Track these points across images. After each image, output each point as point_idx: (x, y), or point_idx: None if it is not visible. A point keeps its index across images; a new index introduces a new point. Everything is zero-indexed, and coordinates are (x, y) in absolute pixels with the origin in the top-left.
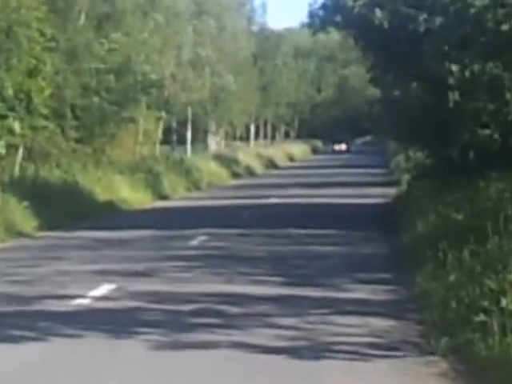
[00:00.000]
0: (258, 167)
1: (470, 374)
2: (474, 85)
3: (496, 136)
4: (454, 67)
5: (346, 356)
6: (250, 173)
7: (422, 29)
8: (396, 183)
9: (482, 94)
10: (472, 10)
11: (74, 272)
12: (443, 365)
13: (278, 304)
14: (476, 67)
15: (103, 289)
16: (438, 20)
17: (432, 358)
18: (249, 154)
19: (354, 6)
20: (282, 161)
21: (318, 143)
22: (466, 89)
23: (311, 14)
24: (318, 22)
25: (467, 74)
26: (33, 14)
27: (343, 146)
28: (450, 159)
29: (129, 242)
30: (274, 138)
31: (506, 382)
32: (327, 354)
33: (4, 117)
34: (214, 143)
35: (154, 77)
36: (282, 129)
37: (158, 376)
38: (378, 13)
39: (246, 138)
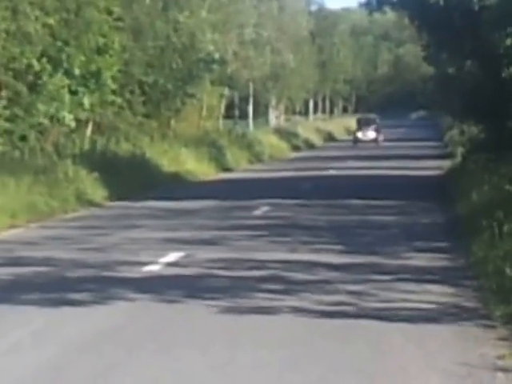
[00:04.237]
0: (316, 140)
1: None
2: None
3: None
4: (509, 41)
5: (407, 321)
6: (309, 146)
7: (476, 7)
8: (450, 156)
9: None
10: None
11: (144, 240)
12: (501, 330)
13: (340, 271)
14: None
15: (172, 256)
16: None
17: (490, 323)
18: (308, 128)
19: None
20: (339, 134)
21: (375, 116)
22: None
23: None
24: (374, 2)
25: None
26: None
27: (371, 134)
28: (503, 132)
29: (195, 211)
30: (332, 112)
31: None
32: (389, 320)
33: (74, 92)
34: (275, 118)
35: (216, 55)
36: (340, 104)
37: (226, 339)
38: None
39: (305, 113)
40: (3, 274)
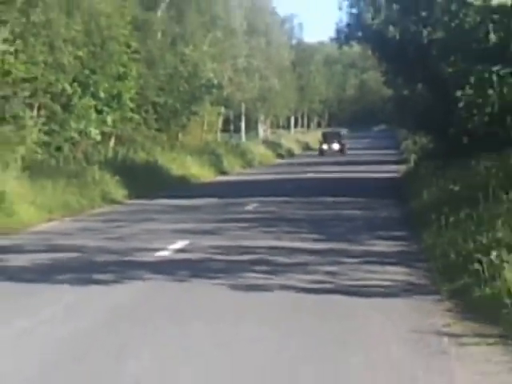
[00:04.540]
0: (296, 150)
1: (467, 310)
2: (466, 83)
3: (479, 125)
4: (451, 69)
5: (373, 296)
6: (291, 154)
7: (425, 40)
8: (405, 161)
9: (472, 92)
10: (466, 25)
11: (156, 231)
12: (447, 303)
13: (317, 255)
14: (468, 70)
15: (179, 243)
16: (439, 33)
17: (437, 298)
18: (289, 140)
19: (372, 23)
20: (315, 144)
21: (344, 131)
22: (460, 87)
23: (338, 31)
24: (342, 37)
25: (459, 76)
26: (120, 31)
27: (335, 146)
28: (448, 143)
29: (198, 207)
30: (309, 126)
31: (495, 316)
32: (357, 295)
33: (99, 111)
34: (263, 131)
35: (215, 80)
36: (315, 120)
37: (225, 311)
38: (391, 29)
39: (287, 127)
40: (43, 259)
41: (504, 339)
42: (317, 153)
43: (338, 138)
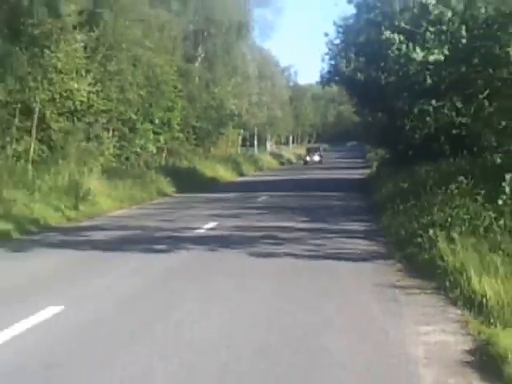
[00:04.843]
0: (293, 159)
1: (413, 271)
2: (410, 113)
3: (420, 141)
4: (400, 103)
5: (347, 260)
6: (289, 162)
7: (383, 82)
8: (369, 167)
9: (415, 119)
10: (410, 73)
11: (195, 215)
12: (398, 265)
13: (307, 232)
14: (412, 103)
15: (211, 224)
16: (392, 78)
17: (392, 262)
18: (288, 152)
19: (345, 71)
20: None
21: (324, 146)
22: (406, 115)
23: (321, 76)
24: (325, 80)
25: (406, 107)
26: (170, 77)
27: (316, 158)
28: (398, 154)
29: (223, 199)
30: (302, 143)
31: (431, 274)
32: (336, 259)
33: (155, 133)
34: (269, 146)
35: (236, 111)
36: (307, 138)
37: (245, 270)
38: (359, 74)
39: (286, 143)
40: (116, 234)
41: (437, 290)
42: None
43: (317, 151)
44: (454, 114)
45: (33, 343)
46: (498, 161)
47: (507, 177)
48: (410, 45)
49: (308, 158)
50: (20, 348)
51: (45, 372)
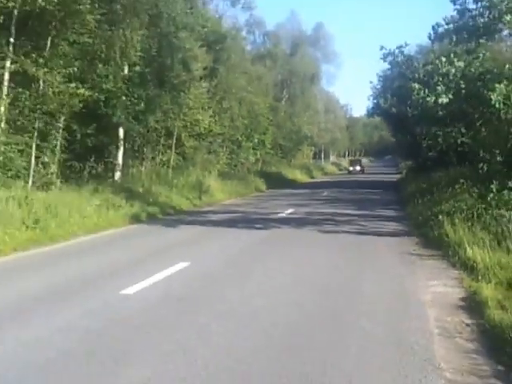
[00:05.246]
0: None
1: (426, 243)
2: (427, 136)
3: (434, 155)
4: (419, 129)
5: (382, 235)
6: (345, 169)
7: (409, 115)
8: (400, 173)
9: (430, 140)
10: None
11: (279, 204)
12: (416, 239)
13: (355, 217)
14: (428, 129)
15: (290, 210)
16: (415, 112)
17: (413, 237)
18: (344, 162)
19: (384, 107)
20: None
21: (372, 157)
22: (424, 138)
23: (367, 110)
24: (370, 113)
25: (424, 132)
26: (264, 111)
27: (358, 168)
28: (419, 164)
29: (298, 194)
30: (354, 156)
31: (439, 246)
32: (376, 234)
33: (254, 149)
34: (332, 158)
35: (309, 134)
36: (358, 153)
37: (315, 241)
38: (393, 109)
39: (343, 156)
40: (226, 216)
41: (442, 257)
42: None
43: (359, 163)
44: (459, 136)
45: (170, 285)
46: (485, 169)
47: (494, 182)
48: (426, 91)
49: (351, 168)
50: (162, 287)
51: (177, 302)
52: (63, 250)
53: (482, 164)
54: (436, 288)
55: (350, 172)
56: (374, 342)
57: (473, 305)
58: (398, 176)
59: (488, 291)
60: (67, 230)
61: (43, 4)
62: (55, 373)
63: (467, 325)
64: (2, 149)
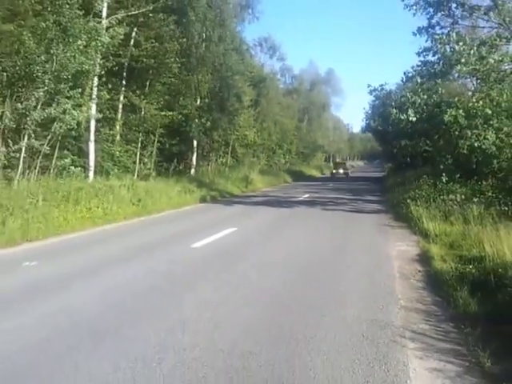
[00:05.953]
0: (351, 168)
1: (397, 218)
2: (400, 146)
3: (406, 159)
4: (395, 142)
5: (367, 213)
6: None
7: (390, 130)
8: (384, 172)
9: (404, 150)
10: (401, 126)
11: (299, 191)
12: (391, 216)
13: (350, 200)
14: (400, 143)
15: (305, 196)
16: (393, 129)
17: (389, 214)
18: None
19: (374, 125)
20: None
21: (365, 161)
22: (398, 147)
23: (362, 128)
24: (364, 130)
25: (399, 143)
26: (290, 129)
27: (341, 171)
28: (396, 166)
29: (313, 185)
30: (353, 159)
31: (406, 219)
32: (363, 212)
33: (284, 155)
34: (337, 161)
35: (321, 144)
36: (355, 157)
37: (320, 215)
38: (379, 127)
39: (346, 159)
40: (264, 199)
41: (407, 227)
42: (361, 167)
43: (343, 166)
44: (423, 146)
45: (220, 243)
46: (440, 168)
47: (444, 176)
48: (400, 113)
49: (335, 171)
50: (214, 245)
51: (225, 254)
52: (155, 219)
53: (438, 164)
54: (401, 247)
55: (333, 175)
56: (355, 281)
57: (424, 258)
58: (383, 174)
59: (435, 250)
60: (159, 207)
61: (145, 60)
62: (149, 295)
63: (419, 271)
64: (118, 154)
